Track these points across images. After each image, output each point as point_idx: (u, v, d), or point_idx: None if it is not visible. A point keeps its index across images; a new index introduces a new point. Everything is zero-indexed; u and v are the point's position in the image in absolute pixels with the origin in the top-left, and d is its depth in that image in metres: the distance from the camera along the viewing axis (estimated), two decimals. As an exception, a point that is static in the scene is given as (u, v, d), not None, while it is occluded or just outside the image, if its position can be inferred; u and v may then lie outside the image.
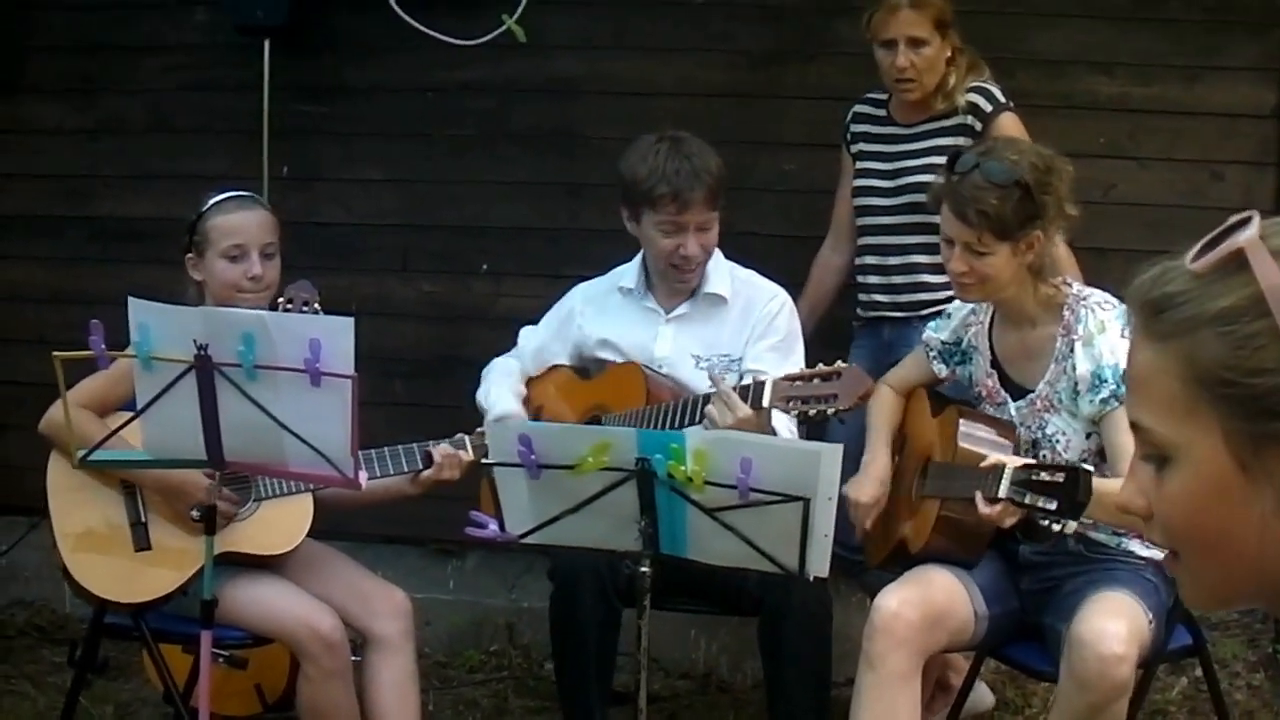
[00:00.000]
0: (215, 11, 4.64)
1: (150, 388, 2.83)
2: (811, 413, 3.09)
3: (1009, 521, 2.91)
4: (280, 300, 3.35)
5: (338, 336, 2.74)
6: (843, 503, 2.74)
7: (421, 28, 4.35)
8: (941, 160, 3.67)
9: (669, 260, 3.56)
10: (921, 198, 3.82)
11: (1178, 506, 1.15)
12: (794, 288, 3.83)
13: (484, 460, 3.03)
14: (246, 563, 3.30)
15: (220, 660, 3.50)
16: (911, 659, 3.06)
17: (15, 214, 4.91)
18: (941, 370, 3.40)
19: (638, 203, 3.54)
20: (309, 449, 2.81)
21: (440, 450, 3.37)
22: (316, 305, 3.34)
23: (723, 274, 3.67)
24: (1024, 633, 3.26)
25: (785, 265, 3.96)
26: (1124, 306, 3.01)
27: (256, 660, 3.80)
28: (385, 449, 3.34)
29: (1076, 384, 3.07)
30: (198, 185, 3.64)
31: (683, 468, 2.67)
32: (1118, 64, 4.35)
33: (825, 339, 3.92)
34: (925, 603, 3.08)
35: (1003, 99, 3.85)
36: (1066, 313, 3.11)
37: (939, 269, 3.84)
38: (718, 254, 3.69)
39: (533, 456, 2.76)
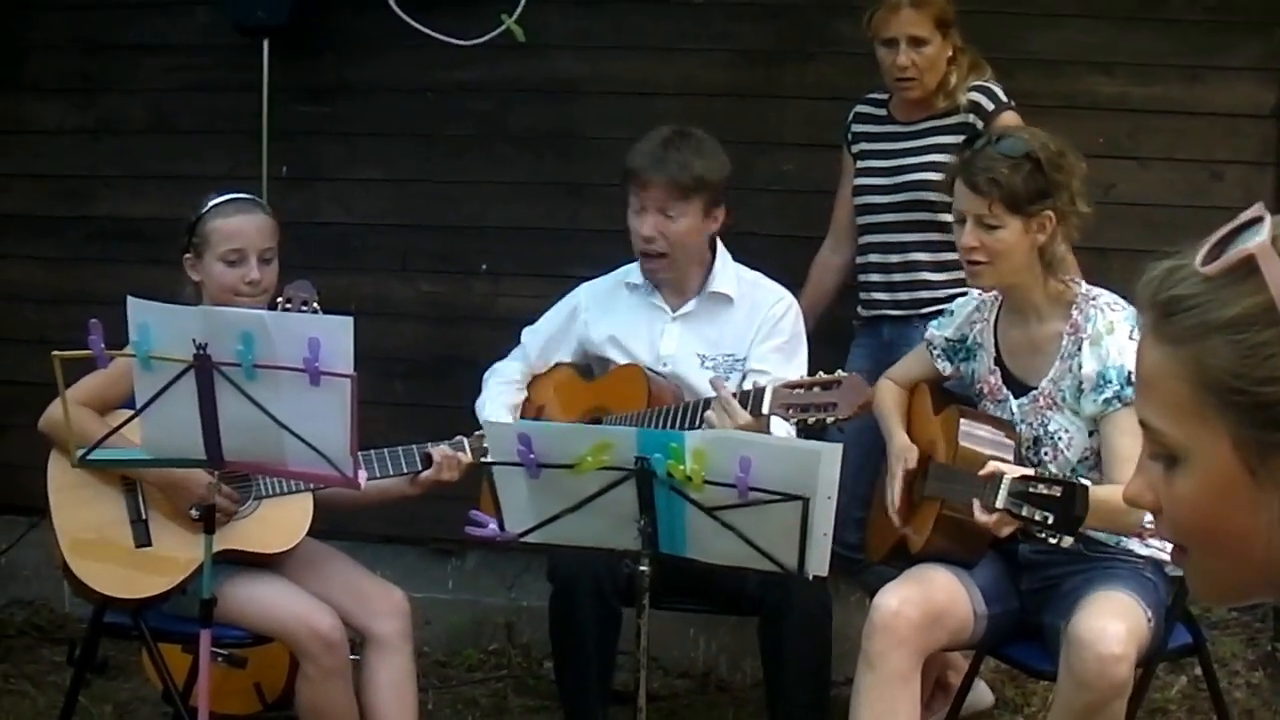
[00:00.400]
0: (215, 11, 4.65)
1: (149, 387, 2.83)
2: (811, 420, 3.11)
3: (1005, 531, 2.92)
4: (279, 300, 3.35)
5: (337, 336, 2.74)
6: (842, 502, 2.73)
7: (421, 28, 4.35)
8: (942, 158, 3.69)
9: (636, 245, 3.60)
10: (923, 195, 3.83)
11: (1186, 507, 1.15)
12: (793, 287, 3.83)
13: (483, 459, 3.03)
14: (246, 561, 3.30)
15: (219, 659, 3.49)
16: (911, 658, 3.06)
17: (15, 214, 4.91)
18: (945, 367, 3.40)
19: (623, 185, 3.59)
20: (308, 448, 2.81)
21: (439, 452, 3.37)
22: (315, 305, 3.34)
23: (729, 274, 3.68)
24: (1023, 632, 3.26)
25: (784, 265, 3.96)
26: (1133, 309, 3.03)
27: (256, 659, 3.80)
28: (385, 450, 3.34)
29: (1081, 383, 3.07)
30: (198, 185, 3.64)
31: (682, 467, 2.67)
32: (1118, 64, 4.35)
33: (824, 339, 3.92)
34: (926, 602, 3.08)
35: (1004, 98, 3.85)
36: (1075, 312, 3.12)
37: (939, 267, 3.86)
38: (724, 254, 3.70)
39: (532, 455, 2.76)
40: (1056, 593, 3.15)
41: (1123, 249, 3.78)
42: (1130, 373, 2.94)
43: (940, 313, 3.53)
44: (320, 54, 4.69)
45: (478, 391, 3.77)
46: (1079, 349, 3.09)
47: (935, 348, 3.42)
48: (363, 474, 2.92)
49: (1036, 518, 2.77)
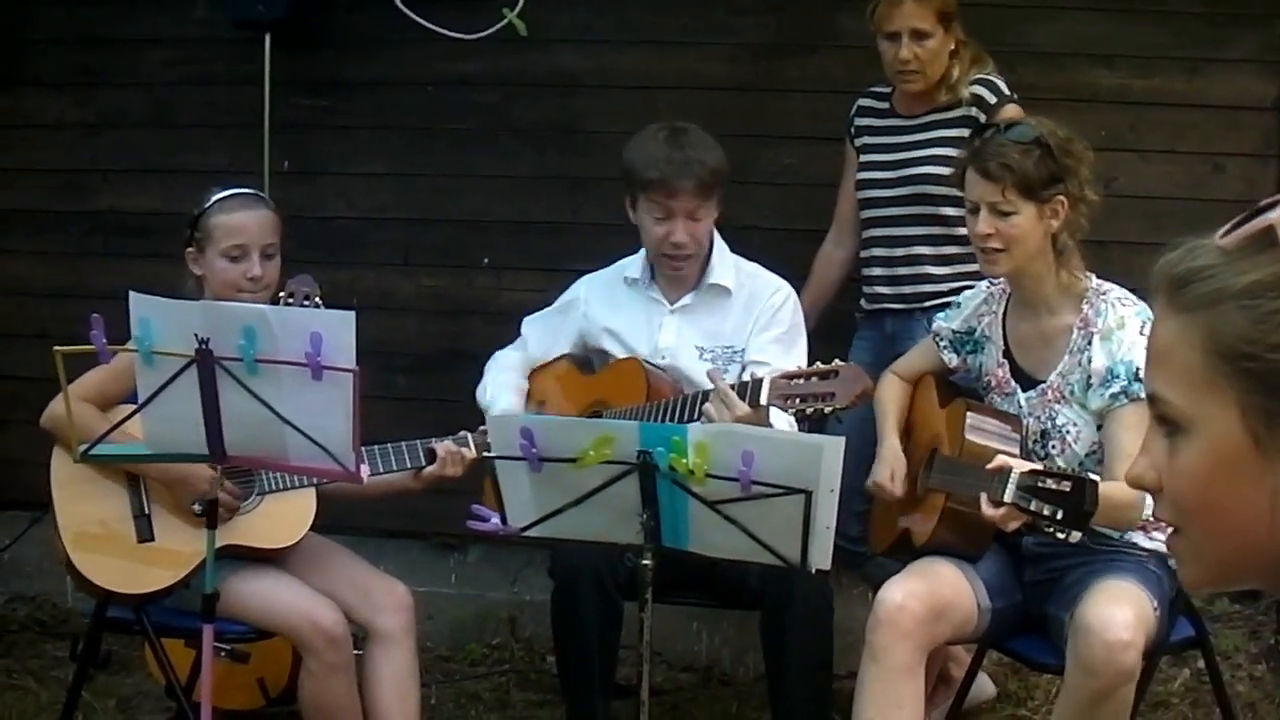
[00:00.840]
0: (216, 5, 4.64)
1: (151, 382, 2.83)
2: (809, 411, 3.10)
3: (1012, 525, 2.91)
4: (281, 294, 3.34)
5: (339, 330, 2.74)
6: (844, 494, 2.73)
7: (422, 21, 4.34)
8: (945, 151, 3.70)
9: (659, 249, 3.59)
10: (925, 189, 3.83)
11: (1189, 479, 1.16)
12: (794, 280, 3.82)
13: (486, 454, 3.03)
14: (249, 556, 3.31)
15: (222, 654, 3.50)
16: (915, 651, 3.06)
17: (16, 209, 4.90)
18: (952, 360, 3.40)
19: (633, 189, 3.58)
20: (310, 443, 2.81)
21: (443, 447, 3.37)
22: (317, 299, 3.33)
23: (727, 266, 3.68)
24: (1027, 625, 3.26)
25: (785, 258, 3.96)
26: (1144, 305, 3.04)
27: (259, 654, 3.81)
28: (388, 445, 3.34)
29: (1090, 377, 3.07)
30: (199, 180, 3.64)
31: (684, 461, 2.67)
32: (1119, 56, 4.34)
33: (827, 332, 3.92)
34: (930, 595, 3.09)
35: (1007, 91, 3.85)
36: (1085, 306, 3.12)
37: (943, 261, 3.86)
38: (723, 246, 3.70)
39: (534, 450, 2.76)
40: (1060, 585, 3.15)
41: (1123, 241, 3.77)
42: (1139, 369, 2.94)
43: (942, 306, 3.53)
44: (321, 48, 4.69)
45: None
46: (1089, 343, 3.09)
47: (942, 339, 3.41)
48: (365, 468, 2.92)
49: (1045, 512, 2.77)
